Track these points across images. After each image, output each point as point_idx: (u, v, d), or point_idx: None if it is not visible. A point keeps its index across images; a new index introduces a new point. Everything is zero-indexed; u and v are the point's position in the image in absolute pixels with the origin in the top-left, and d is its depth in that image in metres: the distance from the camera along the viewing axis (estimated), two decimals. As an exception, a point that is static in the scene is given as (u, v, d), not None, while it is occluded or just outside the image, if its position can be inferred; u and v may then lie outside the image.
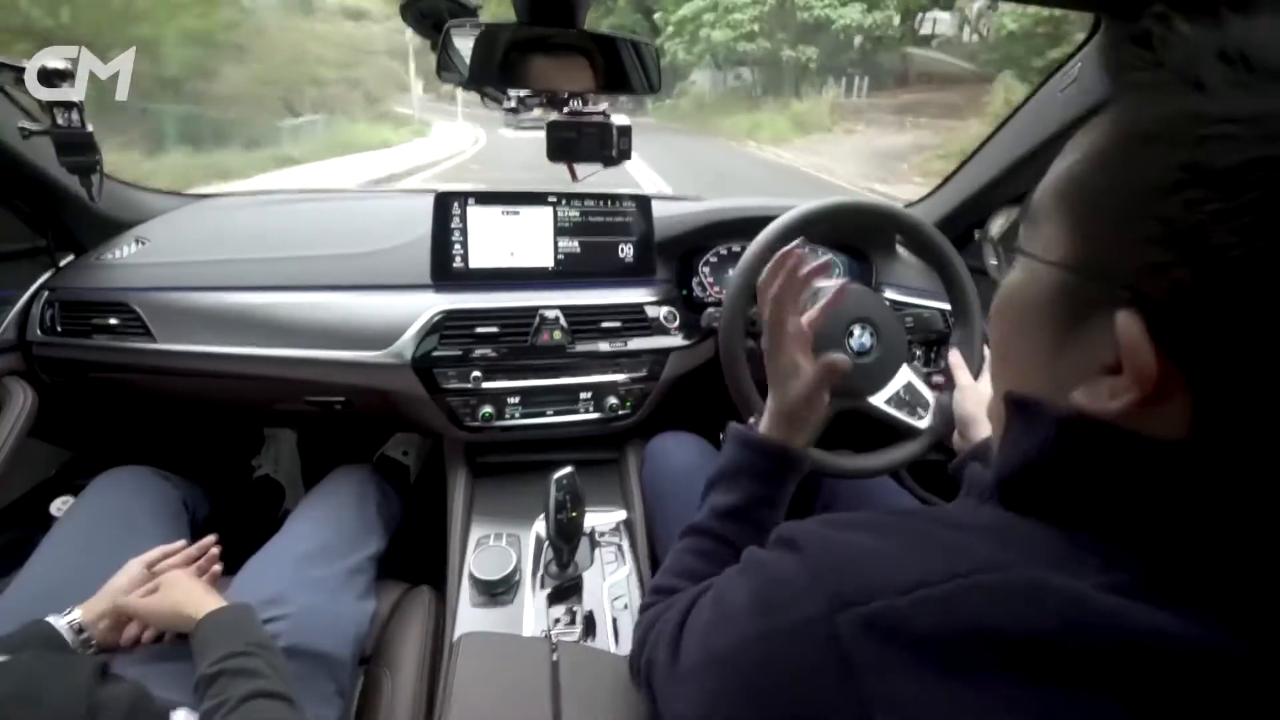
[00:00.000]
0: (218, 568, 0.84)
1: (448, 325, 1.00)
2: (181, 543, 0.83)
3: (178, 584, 0.75)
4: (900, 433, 0.86)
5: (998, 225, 0.40)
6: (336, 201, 1.36)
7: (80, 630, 0.70)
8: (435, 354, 0.99)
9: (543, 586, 0.89)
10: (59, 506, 1.09)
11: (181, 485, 1.02)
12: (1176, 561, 0.27)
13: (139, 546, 0.83)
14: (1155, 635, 0.25)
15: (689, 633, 0.43)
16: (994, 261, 0.39)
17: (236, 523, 1.10)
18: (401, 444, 1.36)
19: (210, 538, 0.84)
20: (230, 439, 1.38)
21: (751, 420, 0.70)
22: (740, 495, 0.60)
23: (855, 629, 0.30)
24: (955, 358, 0.80)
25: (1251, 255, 0.24)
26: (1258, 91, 0.25)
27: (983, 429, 0.70)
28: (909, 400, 0.86)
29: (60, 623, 0.69)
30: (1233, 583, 0.27)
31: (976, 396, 0.73)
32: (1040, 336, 0.33)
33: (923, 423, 0.85)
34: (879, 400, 0.85)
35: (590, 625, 0.85)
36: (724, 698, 0.36)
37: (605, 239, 1.10)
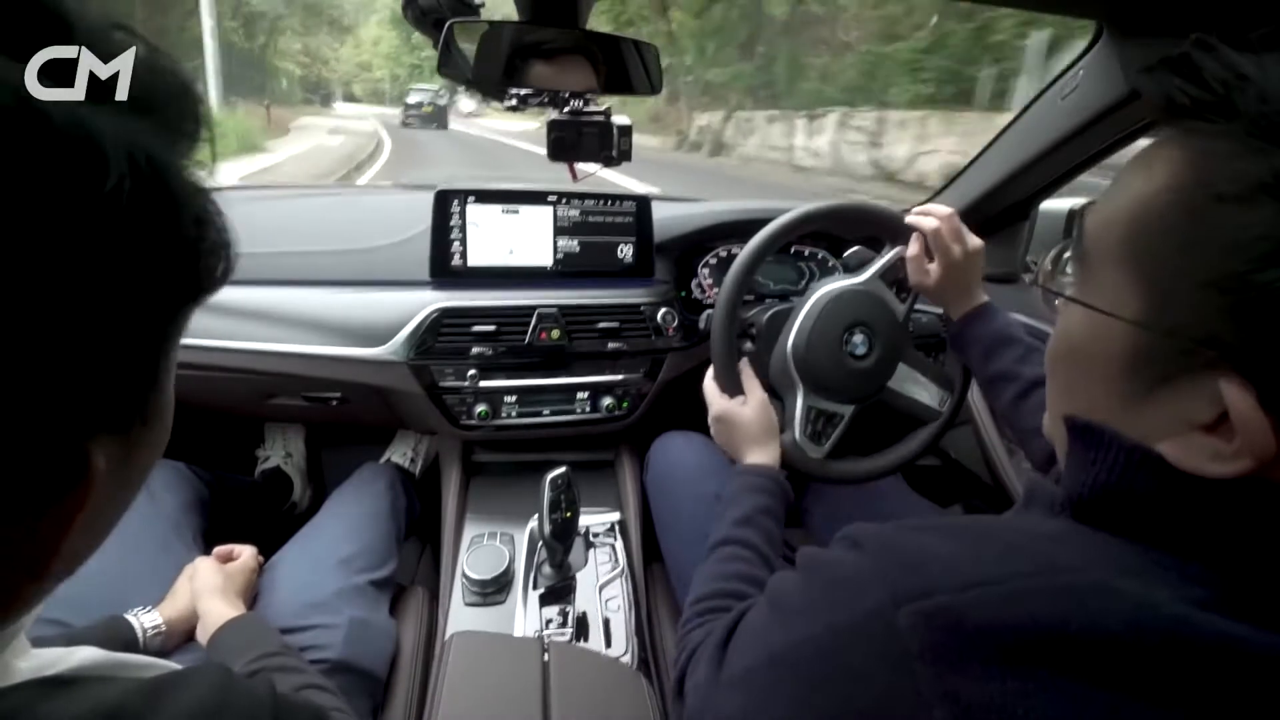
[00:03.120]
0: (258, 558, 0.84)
1: (445, 323, 0.99)
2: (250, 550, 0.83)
3: (213, 573, 0.75)
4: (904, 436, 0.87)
5: (1049, 260, 0.40)
6: (335, 197, 1.35)
7: (157, 632, 0.70)
8: (432, 351, 0.99)
9: (535, 587, 0.89)
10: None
11: (203, 477, 1.02)
12: (1259, 582, 0.27)
13: (180, 539, 0.83)
14: (1227, 643, 0.25)
15: (739, 641, 0.44)
16: (1053, 301, 0.38)
17: (248, 515, 1.09)
18: (406, 449, 1.35)
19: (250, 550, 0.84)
20: (231, 432, 1.37)
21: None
22: (744, 508, 0.69)
23: (916, 622, 0.30)
24: (920, 222, 0.80)
25: None
26: None
27: (964, 301, 0.78)
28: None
29: (136, 622, 0.69)
30: None
31: (950, 270, 0.78)
32: (1111, 386, 0.32)
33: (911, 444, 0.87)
34: (895, 385, 0.86)
35: (582, 626, 0.84)
36: (779, 695, 0.37)
37: (605, 239, 1.10)
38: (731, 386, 0.79)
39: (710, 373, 0.81)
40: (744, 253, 0.80)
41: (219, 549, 0.82)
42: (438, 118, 16.74)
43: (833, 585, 0.36)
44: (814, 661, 0.35)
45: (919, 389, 0.87)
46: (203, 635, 0.70)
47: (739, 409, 0.77)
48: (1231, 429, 0.26)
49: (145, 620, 0.69)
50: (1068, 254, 0.36)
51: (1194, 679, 0.25)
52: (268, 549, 0.88)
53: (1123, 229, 0.30)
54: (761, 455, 0.75)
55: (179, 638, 0.72)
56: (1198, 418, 0.27)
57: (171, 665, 0.31)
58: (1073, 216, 1.02)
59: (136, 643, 0.68)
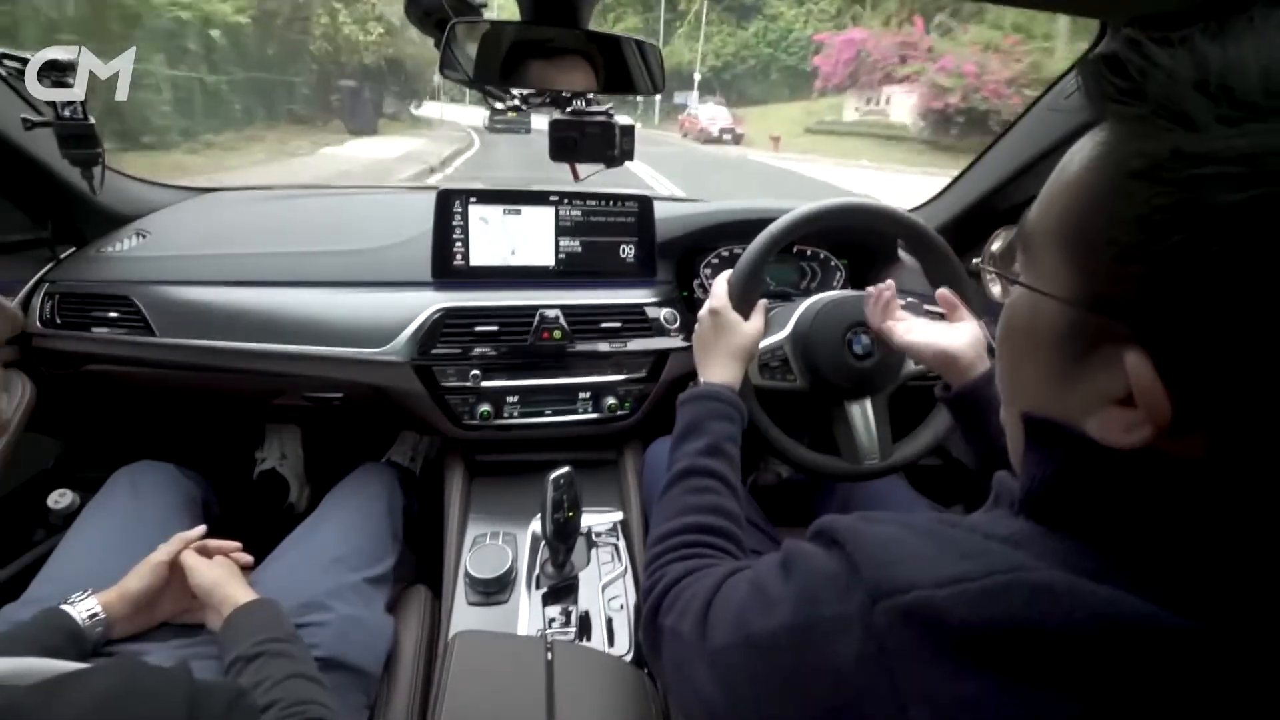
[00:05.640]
0: (248, 557, 0.83)
1: (447, 323, 1.00)
2: (202, 529, 0.81)
3: (223, 564, 0.77)
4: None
5: (997, 247, 0.40)
6: (338, 198, 1.36)
7: (95, 618, 0.69)
8: (435, 352, 0.99)
9: (538, 586, 0.89)
10: (56, 499, 1.09)
11: (197, 480, 1.02)
12: (1200, 578, 0.28)
13: (165, 543, 0.82)
14: (1194, 639, 0.26)
15: (719, 610, 0.44)
16: (995, 287, 0.39)
17: (245, 517, 1.10)
18: (406, 448, 1.36)
19: (237, 545, 0.82)
20: (230, 433, 1.37)
21: (691, 384, 0.77)
22: (711, 436, 0.66)
23: (892, 618, 0.30)
24: (943, 294, 0.76)
25: (1255, 296, 0.24)
26: (1248, 128, 0.24)
27: (970, 367, 0.69)
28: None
29: (74, 610, 0.68)
30: (1263, 600, 0.27)
31: (962, 335, 0.71)
32: (1048, 366, 0.33)
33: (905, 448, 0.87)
34: (854, 409, 0.86)
35: (585, 625, 0.84)
36: (754, 681, 0.37)
37: (607, 239, 1.10)
38: (742, 298, 0.79)
39: (726, 274, 0.81)
40: (747, 252, 0.81)
41: (198, 544, 0.80)
42: (523, 122, 16.97)
43: (813, 582, 0.36)
44: (793, 654, 0.35)
45: (861, 431, 0.86)
46: (218, 620, 0.71)
47: (739, 319, 0.77)
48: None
49: (81, 608, 0.68)
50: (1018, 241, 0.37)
51: (1162, 676, 0.26)
52: (264, 550, 0.88)
53: (1056, 210, 0.32)
54: (727, 374, 0.74)
55: (125, 625, 0.71)
56: (1114, 392, 0.29)
57: (79, 667, 0.31)
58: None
59: (79, 631, 0.67)
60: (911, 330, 0.75)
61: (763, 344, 0.83)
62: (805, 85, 24.44)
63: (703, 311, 0.79)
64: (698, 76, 27.64)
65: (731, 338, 0.76)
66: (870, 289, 0.80)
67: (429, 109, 19.45)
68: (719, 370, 0.75)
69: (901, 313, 0.79)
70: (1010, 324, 0.37)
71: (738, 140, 19.78)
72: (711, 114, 20.68)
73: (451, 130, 17.07)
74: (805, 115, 21.82)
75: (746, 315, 0.78)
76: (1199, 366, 0.26)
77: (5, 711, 0.23)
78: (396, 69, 15.15)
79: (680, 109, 26.51)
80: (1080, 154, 0.31)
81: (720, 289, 0.79)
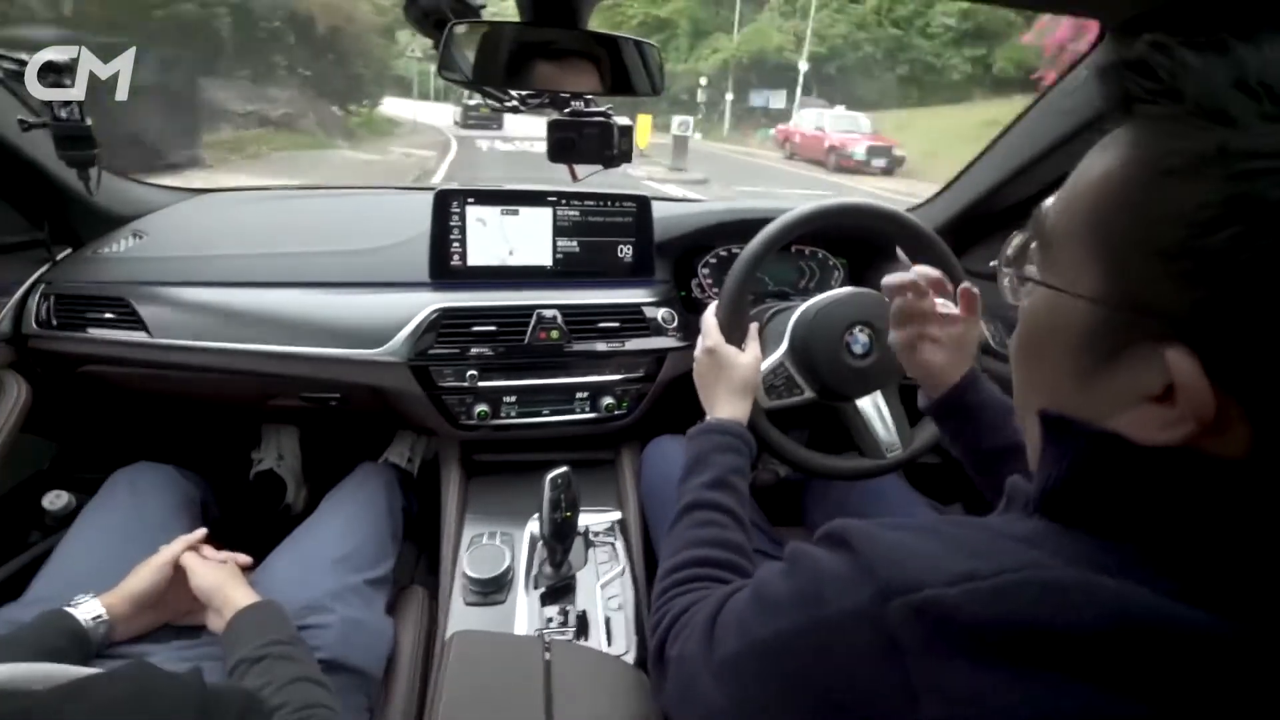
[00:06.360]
0: (247, 558, 0.83)
1: (445, 323, 1.00)
2: (204, 531, 0.81)
3: (224, 566, 0.77)
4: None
5: (1012, 249, 0.40)
6: (335, 198, 1.35)
7: (98, 620, 0.68)
8: (432, 352, 0.99)
9: (536, 586, 0.89)
10: (51, 500, 1.09)
11: (195, 481, 1.02)
12: (1225, 571, 0.28)
13: (168, 542, 0.82)
14: (1204, 633, 0.26)
15: (725, 624, 0.44)
16: (1008, 284, 0.39)
17: (242, 517, 1.10)
18: (403, 448, 1.35)
19: (244, 558, 0.82)
20: (227, 433, 1.37)
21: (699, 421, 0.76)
22: (717, 469, 0.67)
23: (904, 616, 0.30)
24: (966, 289, 0.69)
25: None
26: None
27: (945, 375, 0.68)
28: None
29: (77, 612, 0.68)
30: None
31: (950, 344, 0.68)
32: (1070, 366, 0.33)
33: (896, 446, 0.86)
34: (866, 405, 0.86)
35: (583, 625, 0.84)
36: (764, 685, 0.37)
37: (604, 239, 1.10)
38: (733, 329, 0.78)
39: (713, 307, 0.80)
40: (745, 252, 0.81)
41: (200, 550, 0.79)
42: (495, 119, 15.79)
43: (819, 581, 0.36)
44: (799, 655, 0.35)
45: (878, 425, 0.86)
46: (219, 622, 0.70)
47: (736, 353, 0.77)
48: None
49: (86, 610, 0.68)
50: (1033, 242, 0.37)
51: (1174, 670, 0.26)
52: (262, 551, 0.88)
53: (1081, 208, 0.32)
54: (734, 409, 0.74)
55: (128, 627, 0.71)
56: (1148, 389, 0.28)
57: (92, 672, 0.31)
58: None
59: (83, 633, 0.66)
60: (926, 348, 0.68)
61: (763, 366, 0.82)
62: (942, 82, 16.92)
63: (698, 351, 0.79)
64: (804, 67, 18.17)
65: (731, 373, 0.76)
66: (903, 281, 0.67)
67: (396, 108, 14.08)
68: (725, 407, 0.74)
69: (940, 327, 0.68)
70: (1030, 326, 0.37)
71: (891, 168, 11.66)
72: (845, 125, 12.46)
73: (417, 145, 10.51)
74: (981, 126, 12.28)
75: (740, 344, 0.78)
76: (1252, 362, 0.26)
77: (22, 716, 0.23)
78: (307, 37, 7.55)
79: (761, 114, 19.09)
80: (1105, 154, 0.31)
81: (710, 323, 0.79)
